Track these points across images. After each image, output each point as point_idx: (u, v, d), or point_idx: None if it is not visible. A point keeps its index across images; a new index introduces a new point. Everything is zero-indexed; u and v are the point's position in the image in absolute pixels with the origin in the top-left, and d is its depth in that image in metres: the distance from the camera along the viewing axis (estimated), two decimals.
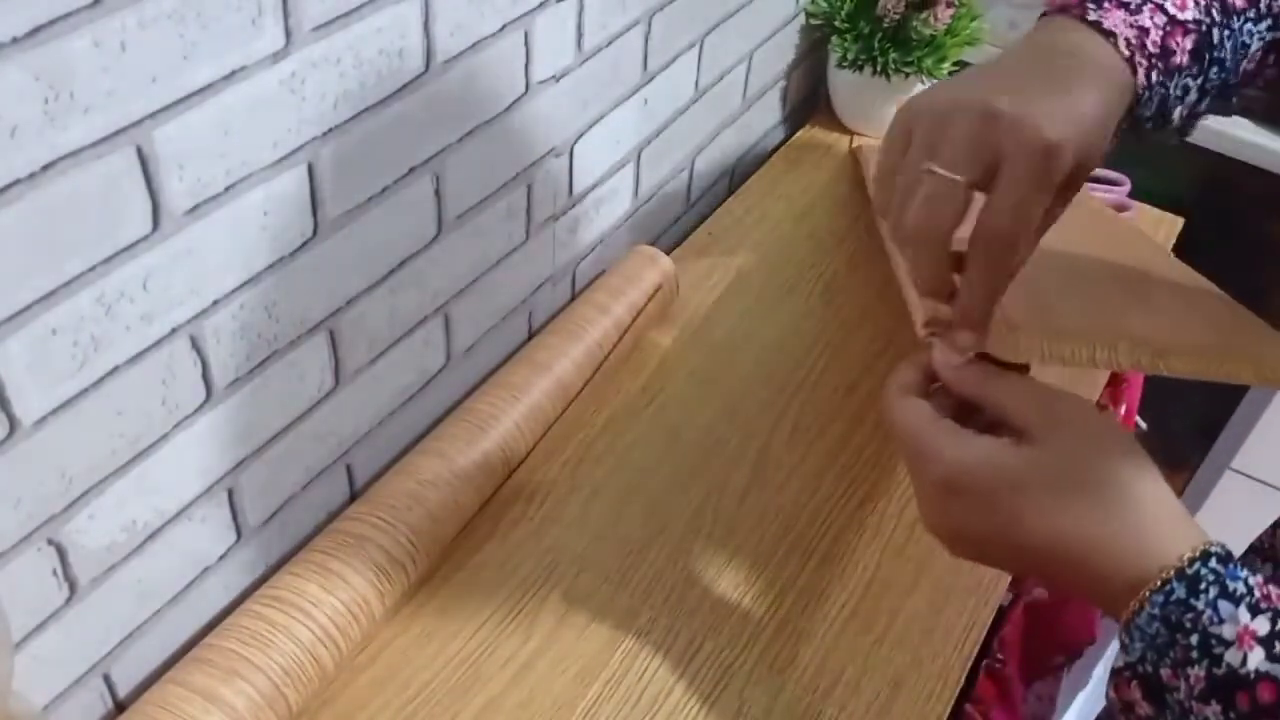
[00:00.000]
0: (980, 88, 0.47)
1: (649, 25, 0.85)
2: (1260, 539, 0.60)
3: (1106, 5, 0.51)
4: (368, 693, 0.66)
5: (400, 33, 0.61)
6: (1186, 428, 1.65)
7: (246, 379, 0.62)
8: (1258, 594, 0.41)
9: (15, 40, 0.42)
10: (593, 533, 0.76)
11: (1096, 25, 0.50)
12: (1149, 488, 0.45)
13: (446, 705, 0.66)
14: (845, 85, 1.12)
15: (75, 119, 0.46)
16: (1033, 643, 1.10)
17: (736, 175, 1.14)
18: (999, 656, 0.84)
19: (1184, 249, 1.07)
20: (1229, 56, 0.53)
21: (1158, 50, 0.50)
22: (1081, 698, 1.24)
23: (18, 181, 0.45)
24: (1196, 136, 1.26)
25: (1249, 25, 0.53)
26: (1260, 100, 0.58)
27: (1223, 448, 1.60)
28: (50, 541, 0.54)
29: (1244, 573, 0.42)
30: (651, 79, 0.89)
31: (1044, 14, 0.53)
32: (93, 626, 0.59)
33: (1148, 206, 1.11)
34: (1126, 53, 0.50)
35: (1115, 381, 0.97)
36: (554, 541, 0.75)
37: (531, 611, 0.71)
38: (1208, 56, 0.52)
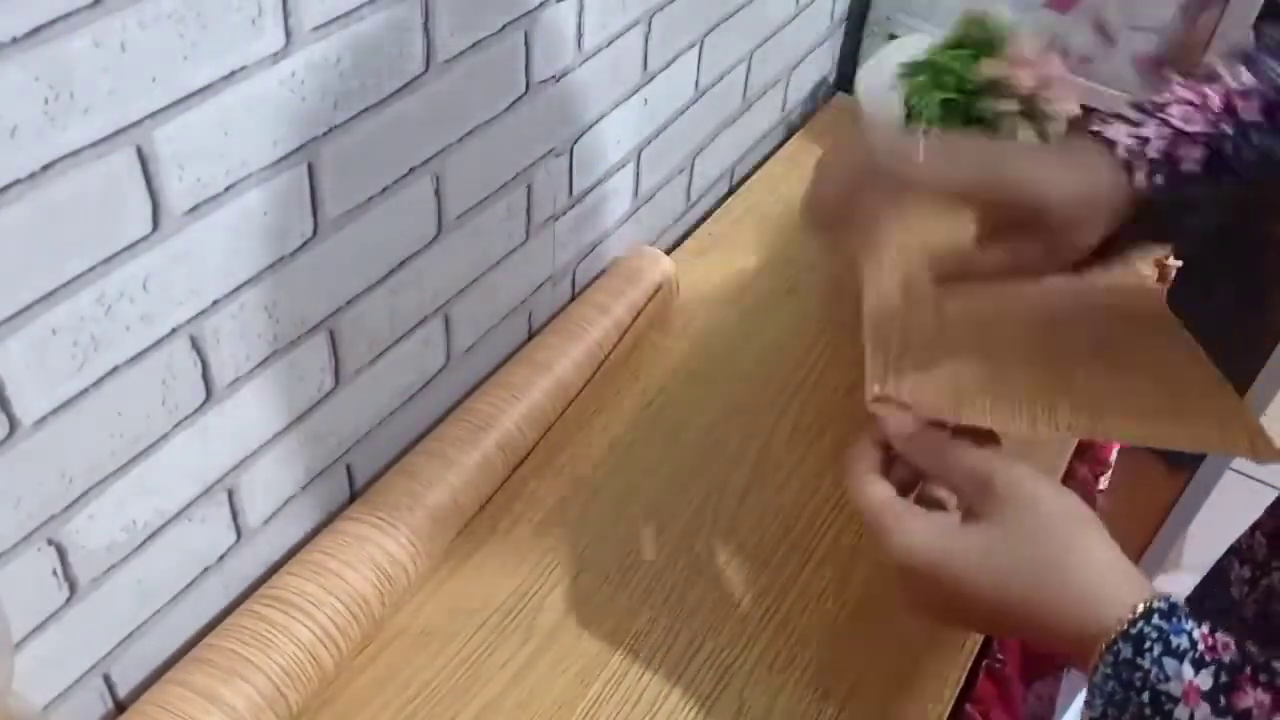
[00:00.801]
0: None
1: (649, 25, 0.85)
2: (1239, 541, 0.60)
3: (1110, 120, 0.53)
4: (368, 693, 0.66)
5: (400, 33, 0.61)
6: None
7: (246, 379, 0.62)
8: (1201, 647, 0.42)
9: (15, 40, 0.42)
10: (593, 533, 0.76)
11: (1097, 135, 0.52)
12: (1093, 551, 0.46)
13: (446, 705, 0.66)
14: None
15: (75, 119, 0.46)
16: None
17: (736, 175, 1.14)
18: (999, 656, 0.84)
19: (1184, 249, 1.07)
20: (1246, 169, 0.52)
21: (1160, 157, 0.52)
22: (1081, 698, 1.24)
23: (18, 181, 0.45)
24: None
25: (1270, 141, 0.52)
26: None
27: None
28: (50, 541, 0.54)
29: (1189, 625, 0.42)
30: (651, 79, 0.89)
31: None
32: (93, 626, 0.59)
33: None
34: (1124, 156, 0.52)
35: None
36: (554, 541, 0.75)
37: (531, 611, 0.71)
38: (1223, 168, 0.52)
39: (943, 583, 0.48)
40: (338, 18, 0.57)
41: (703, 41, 0.94)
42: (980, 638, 0.72)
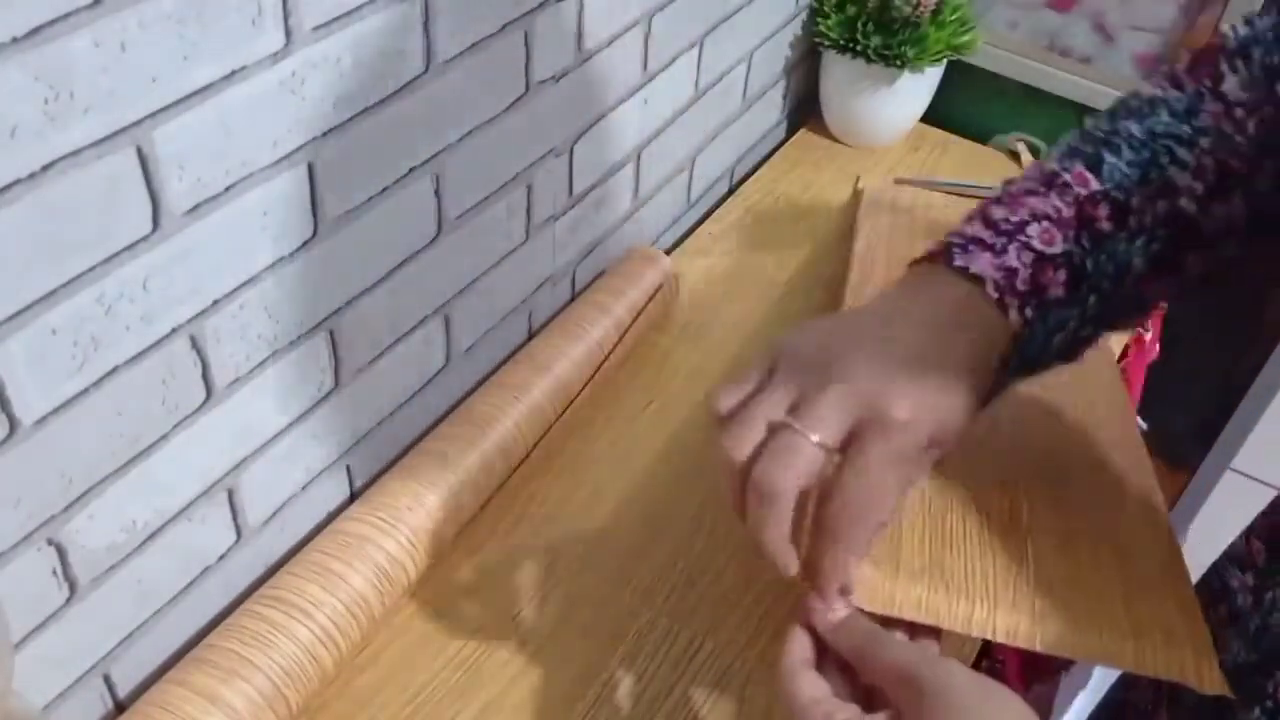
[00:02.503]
0: (849, 351, 0.47)
1: (649, 25, 0.85)
2: (1234, 548, 0.59)
3: (971, 249, 0.50)
4: (368, 693, 0.66)
5: (400, 33, 0.61)
6: (1186, 428, 1.65)
7: (246, 379, 0.62)
8: None
9: (15, 40, 0.42)
10: (593, 533, 0.76)
11: (963, 271, 0.49)
12: None
13: (446, 706, 0.66)
14: (835, 85, 1.12)
15: (75, 119, 0.46)
16: None
17: (736, 175, 1.14)
18: (999, 658, 0.84)
19: None
20: (1108, 283, 0.50)
21: (1028, 287, 0.49)
22: (1081, 698, 1.24)
23: (18, 181, 0.45)
24: None
25: (1123, 246, 0.50)
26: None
27: (1223, 448, 1.61)
28: (50, 541, 0.54)
29: None
30: (651, 79, 0.89)
31: (913, 262, 0.52)
32: (93, 626, 0.59)
33: None
34: (995, 294, 0.49)
35: None
36: (554, 541, 0.75)
37: (532, 611, 0.71)
38: (1084, 286, 0.50)
39: None
40: (338, 18, 0.57)
41: (703, 41, 0.94)
42: (978, 642, 0.72)
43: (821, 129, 1.18)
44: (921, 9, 1.03)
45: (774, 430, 0.46)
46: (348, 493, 0.75)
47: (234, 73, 0.52)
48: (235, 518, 0.66)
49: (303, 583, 0.64)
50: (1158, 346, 1.06)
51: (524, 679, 0.67)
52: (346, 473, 0.74)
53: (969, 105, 1.19)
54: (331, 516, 0.73)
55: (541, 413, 0.78)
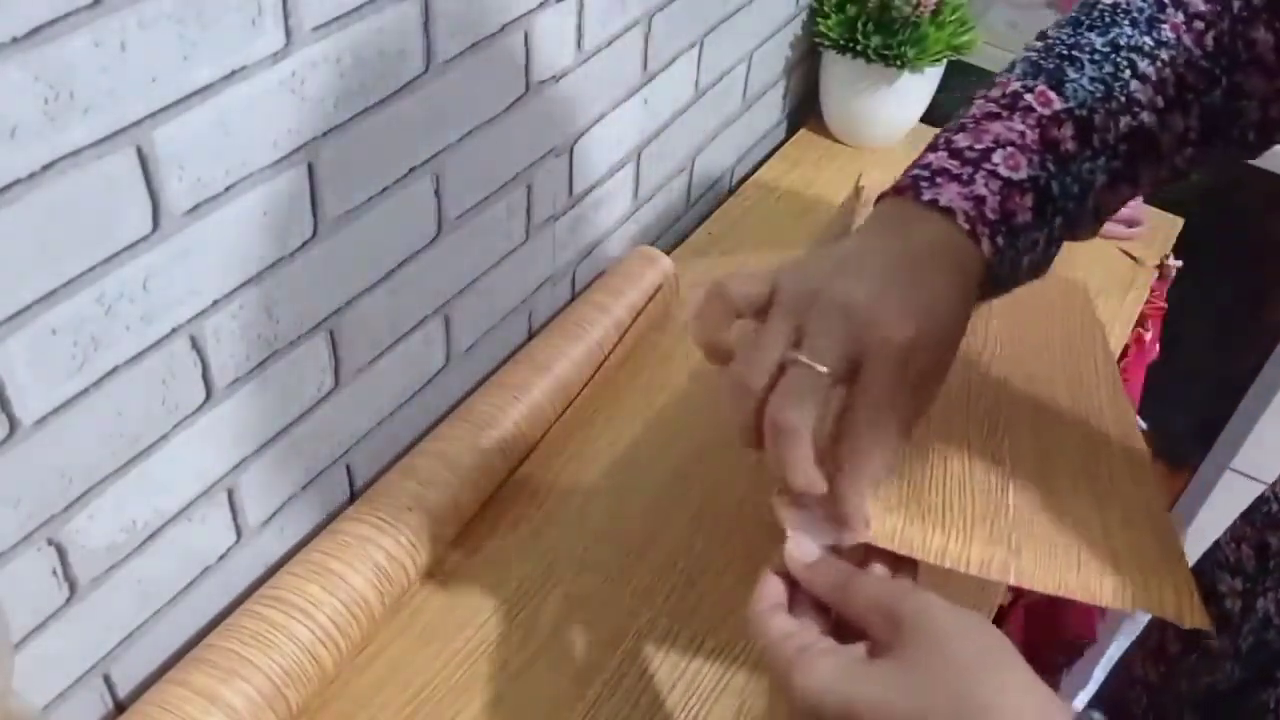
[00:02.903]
0: (843, 280, 0.47)
1: (649, 25, 0.85)
2: (1223, 554, 0.59)
3: (939, 181, 0.50)
4: (368, 693, 0.66)
5: (400, 33, 0.61)
6: (1186, 428, 1.65)
7: (246, 379, 0.62)
8: None
9: (15, 40, 0.42)
10: (593, 533, 0.76)
11: (933, 204, 0.49)
12: (1012, 693, 0.43)
13: (446, 705, 0.66)
14: (835, 85, 1.12)
15: (75, 119, 0.46)
16: (1033, 643, 1.10)
17: (736, 175, 1.14)
18: None
19: (1184, 249, 1.07)
20: (1072, 203, 0.51)
21: (998, 216, 0.49)
22: (1081, 698, 1.24)
23: (18, 181, 0.45)
24: None
25: (1087, 165, 0.51)
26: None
27: (1223, 448, 1.61)
28: (50, 541, 0.54)
29: None
30: (651, 79, 0.89)
31: (879, 197, 0.52)
32: (93, 626, 0.59)
33: (1148, 207, 1.11)
34: (966, 226, 0.48)
35: None
36: (554, 541, 0.75)
37: (531, 611, 0.71)
38: (1050, 208, 0.50)
39: (855, 717, 0.44)
40: (338, 18, 0.57)
41: (703, 41, 0.94)
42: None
43: (821, 129, 1.18)
44: (921, 9, 1.03)
45: (784, 366, 0.46)
46: (348, 493, 0.75)
47: (234, 73, 0.52)
48: (235, 518, 0.66)
49: (303, 583, 0.64)
50: (1158, 346, 1.06)
51: (524, 679, 0.67)
52: (346, 473, 0.74)
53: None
54: (331, 516, 0.73)
55: (541, 413, 0.78)
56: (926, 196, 0.49)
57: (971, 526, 0.53)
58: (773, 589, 0.50)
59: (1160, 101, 0.52)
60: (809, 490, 0.48)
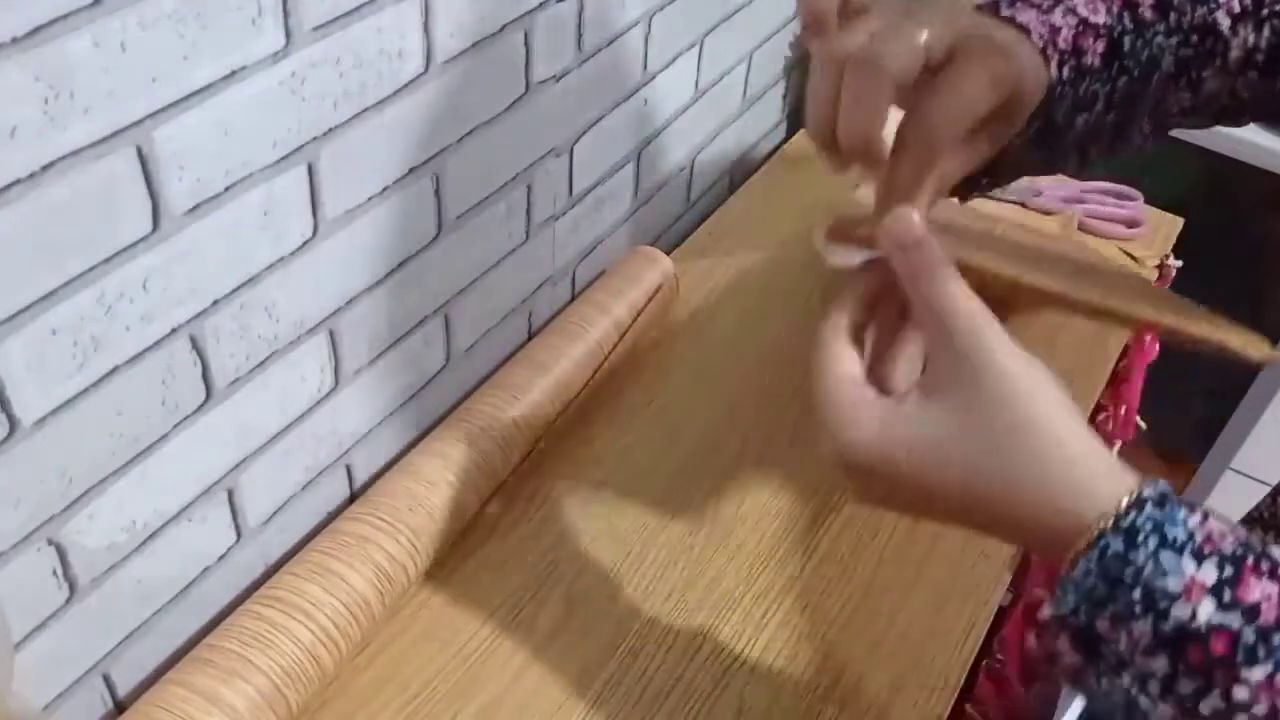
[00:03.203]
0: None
1: (649, 25, 0.85)
2: (1259, 508, 0.59)
3: (1019, 4, 0.52)
4: (368, 693, 0.66)
5: (400, 33, 0.61)
6: (1186, 428, 1.65)
7: (246, 379, 0.62)
8: (1199, 538, 0.39)
9: (15, 40, 0.42)
10: (593, 533, 0.76)
11: (1010, 20, 0.51)
12: (1070, 430, 0.42)
13: (446, 705, 0.66)
14: None
15: (75, 119, 0.46)
16: None
17: (736, 175, 1.14)
18: (999, 656, 0.84)
19: (1184, 249, 1.07)
20: (1138, 72, 0.53)
21: (1069, 48, 0.51)
22: (1081, 698, 1.24)
23: (18, 181, 0.45)
24: (1197, 136, 1.26)
25: (1160, 39, 0.53)
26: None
27: (1223, 448, 1.61)
28: (50, 541, 0.54)
29: (1182, 514, 0.40)
30: (651, 79, 0.89)
31: None
32: (93, 626, 0.59)
33: (1148, 207, 1.11)
34: (1040, 44, 0.50)
35: (1115, 382, 0.97)
36: (554, 541, 0.75)
37: (531, 611, 0.71)
38: (1118, 64, 0.52)
39: (897, 475, 0.44)
40: (338, 18, 0.57)
41: (703, 41, 0.94)
42: (980, 637, 0.72)
43: None
44: None
45: (882, 27, 0.47)
46: (348, 493, 0.75)
47: (234, 73, 0.52)
48: (235, 518, 0.66)
49: (303, 583, 0.64)
50: (1157, 346, 1.06)
51: (524, 679, 0.67)
52: (346, 472, 0.74)
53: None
54: (331, 516, 0.73)
55: (541, 413, 0.78)
56: (1005, 12, 0.51)
57: (1037, 262, 0.54)
58: (851, 309, 0.49)
59: (1236, 5, 0.53)
60: (865, 131, 0.47)
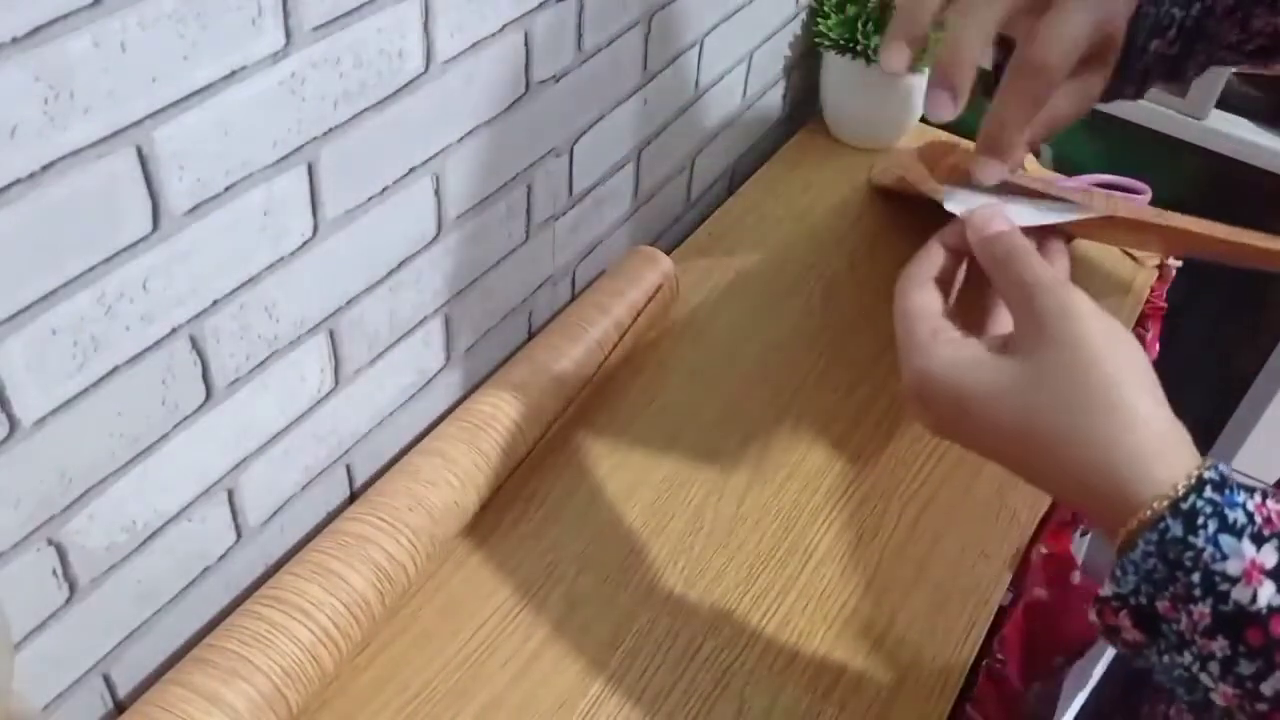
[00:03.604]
0: None
1: (649, 25, 0.85)
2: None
3: None
4: (368, 693, 0.66)
5: (400, 33, 0.61)
6: (1186, 428, 1.65)
7: (246, 379, 0.62)
8: (1259, 520, 0.39)
9: (15, 40, 0.42)
10: (593, 533, 0.76)
11: None
12: (1146, 403, 0.42)
13: (446, 705, 0.66)
14: (835, 85, 1.12)
15: (75, 119, 0.46)
16: (1033, 643, 1.10)
17: (736, 175, 1.14)
18: (999, 656, 0.84)
19: None
20: None
21: None
22: (1081, 698, 1.24)
23: (18, 181, 0.45)
24: (1196, 136, 1.26)
25: None
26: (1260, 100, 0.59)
27: (1223, 448, 1.61)
28: (50, 541, 0.54)
29: (1241, 497, 0.40)
30: (651, 79, 0.89)
31: None
32: (93, 626, 0.59)
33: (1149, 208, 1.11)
34: None
35: None
36: (554, 541, 0.75)
37: (531, 611, 0.71)
38: None
39: (964, 412, 0.44)
40: (338, 18, 0.57)
41: (703, 41, 0.94)
42: (980, 637, 0.72)
43: (821, 129, 1.18)
44: None
45: None
46: (348, 493, 0.75)
47: (234, 73, 0.52)
48: (235, 518, 0.66)
49: (303, 583, 0.64)
50: (1157, 346, 1.06)
51: (524, 679, 0.67)
52: (346, 473, 0.74)
53: (969, 106, 1.19)
54: (331, 516, 0.73)
55: (541, 413, 0.78)
56: None
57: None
58: (933, 258, 0.50)
59: None
60: (957, 68, 0.50)
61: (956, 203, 0.52)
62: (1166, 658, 0.41)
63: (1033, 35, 0.49)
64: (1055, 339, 0.43)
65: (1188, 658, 0.40)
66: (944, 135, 1.11)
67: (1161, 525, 0.40)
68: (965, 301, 0.51)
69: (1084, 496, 0.43)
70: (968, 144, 0.55)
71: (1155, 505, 0.40)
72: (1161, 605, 0.40)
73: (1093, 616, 0.43)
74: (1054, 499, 0.45)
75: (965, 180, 0.52)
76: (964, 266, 0.52)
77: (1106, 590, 0.42)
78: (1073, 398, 0.42)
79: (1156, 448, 0.41)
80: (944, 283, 0.50)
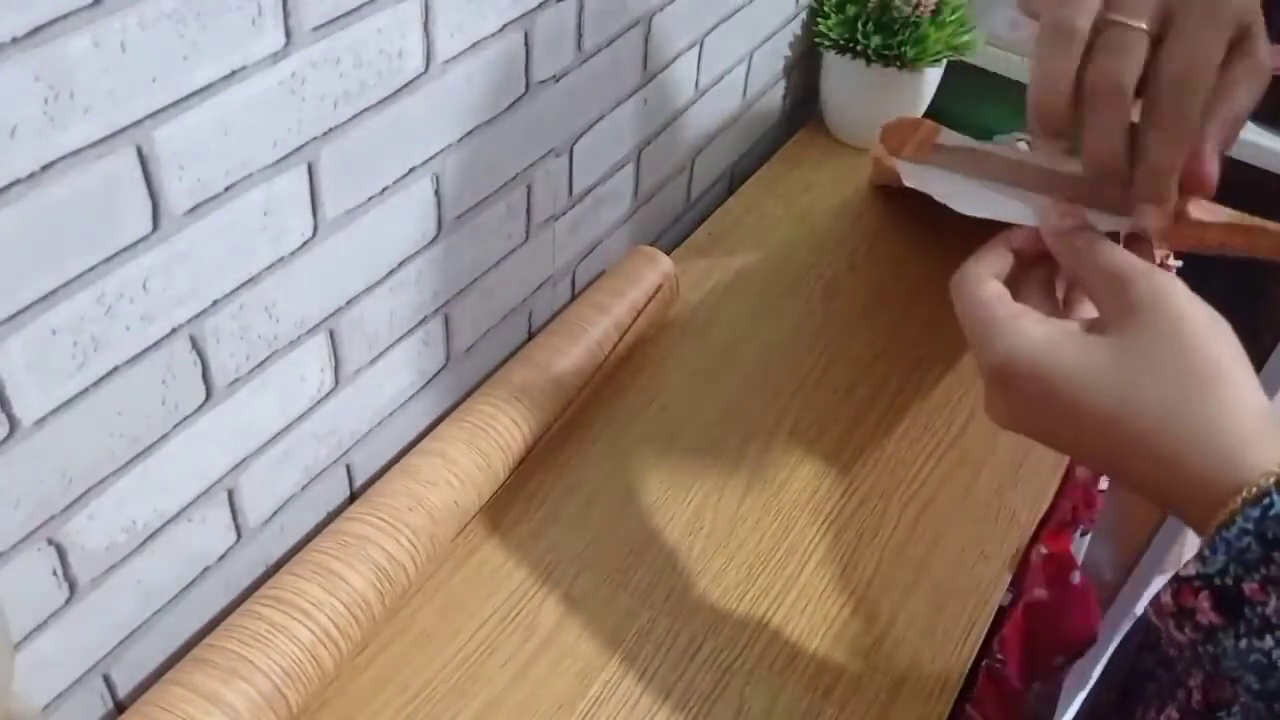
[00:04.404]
0: None
1: (649, 25, 0.85)
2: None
3: None
4: (368, 693, 0.66)
5: (400, 33, 0.61)
6: None
7: (246, 379, 0.62)
8: None
9: (15, 40, 0.42)
10: (593, 533, 0.76)
11: None
12: (1243, 388, 0.41)
13: (446, 705, 0.66)
14: (835, 85, 1.12)
15: (75, 119, 0.46)
16: (1033, 643, 1.10)
17: (736, 175, 1.14)
18: (999, 656, 0.84)
19: None
20: None
21: None
22: (1081, 698, 1.24)
23: (18, 181, 0.45)
24: None
25: None
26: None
27: None
28: (50, 541, 0.54)
29: None
30: (651, 79, 0.89)
31: None
32: (93, 626, 0.59)
33: None
34: None
35: None
36: (554, 541, 0.75)
37: (531, 611, 0.71)
38: None
39: (1052, 393, 0.42)
40: (338, 18, 0.57)
41: (703, 41, 0.94)
42: (980, 637, 0.72)
43: (821, 129, 1.18)
44: (921, 9, 1.03)
45: (1100, 29, 0.46)
46: (348, 493, 0.75)
47: (234, 73, 0.52)
48: (235, 518, 0.66)
49: (303, 583, 0.64)
50: None
51: (524, 679, 0.67)
52: (346, 473, 0.74)
53: (969, 105, 1.19)
54: (331, 516, 0.73)
55: (541, 413, 0.78)
56: None
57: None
58: (996, 257, 0.49)
59: None
60: (1110, 161, 0.47)
61: (916, 180, 0.51)
62: (1244, 642, 0.39)
63: (1167, 48, 0.46)
64: (1154, 321, 0.42)
65: (1269, 642, 0.39)
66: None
67: (1266, 501, 0.38)
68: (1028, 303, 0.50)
69: (1176, 479, 0.41)
70: (930, 122, 0.54)
71: (1262, 482, 0.39)
72: (1249, 587, 0.39)
73: (1166, 597, 0.41)
74: (1132, 487, 0.44)
75: (927, 156, 0.52)
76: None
77: (1189, 570, 0.40)
78: (1175, 376, 0.41)
79: (1261, 428, 0.40)
80: (1006, 282, 0.49)
